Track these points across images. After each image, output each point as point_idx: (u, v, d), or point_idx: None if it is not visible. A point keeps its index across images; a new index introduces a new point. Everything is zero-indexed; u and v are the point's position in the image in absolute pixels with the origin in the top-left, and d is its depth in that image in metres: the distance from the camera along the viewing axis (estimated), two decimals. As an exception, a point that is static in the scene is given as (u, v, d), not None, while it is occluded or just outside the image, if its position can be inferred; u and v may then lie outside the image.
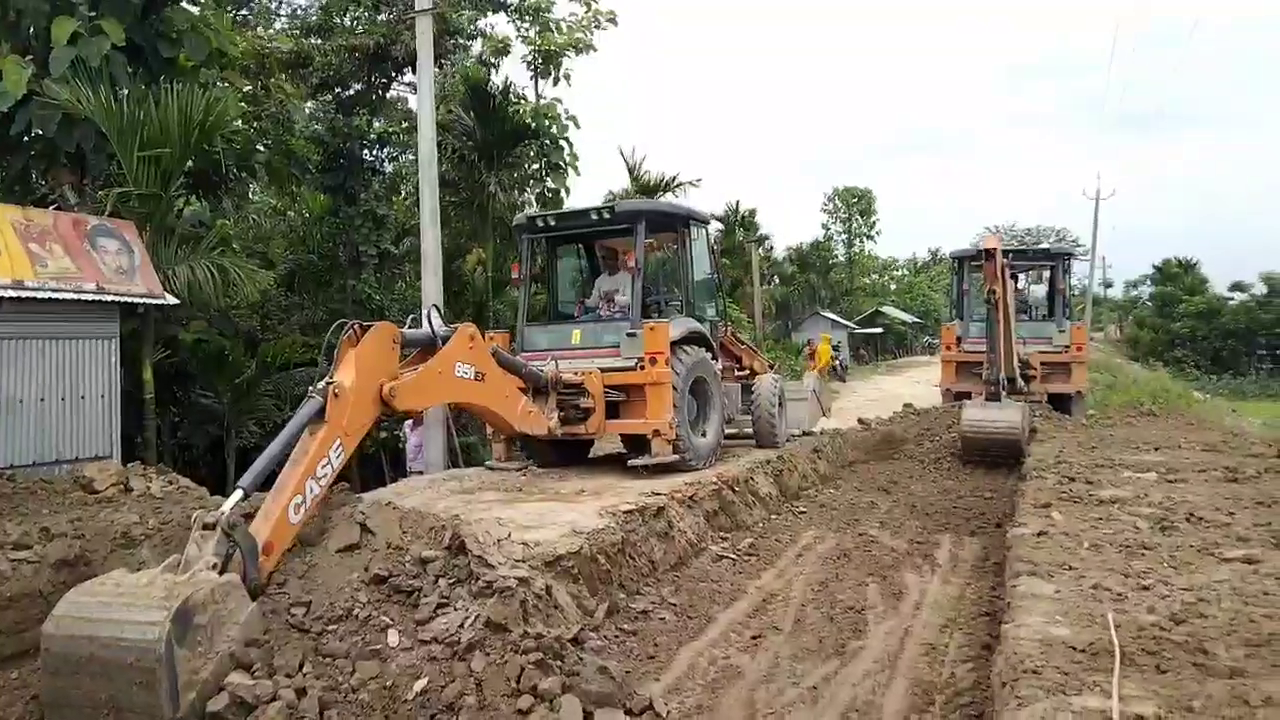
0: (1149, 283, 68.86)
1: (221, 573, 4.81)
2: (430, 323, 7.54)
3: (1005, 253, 16.54)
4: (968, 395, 16.22)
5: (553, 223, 10.87)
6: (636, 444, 10.53)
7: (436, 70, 16.91)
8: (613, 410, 9.94)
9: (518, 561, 5.93)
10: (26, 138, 11.25)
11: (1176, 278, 59.56)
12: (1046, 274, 19.95)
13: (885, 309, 71.19)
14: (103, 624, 4.42)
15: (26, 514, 7.10)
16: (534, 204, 19.67)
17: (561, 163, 19.70)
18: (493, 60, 20.17)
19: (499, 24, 20.86)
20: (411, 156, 18.98)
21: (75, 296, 8.95)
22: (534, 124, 19.04)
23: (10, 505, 7.39)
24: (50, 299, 8.76)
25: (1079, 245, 61.59)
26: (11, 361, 8.55)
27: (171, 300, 10.38)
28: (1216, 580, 5.19)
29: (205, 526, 4.98)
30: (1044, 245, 43.79)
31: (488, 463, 11.05)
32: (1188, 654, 4.09)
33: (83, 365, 9.12)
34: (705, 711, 5.19)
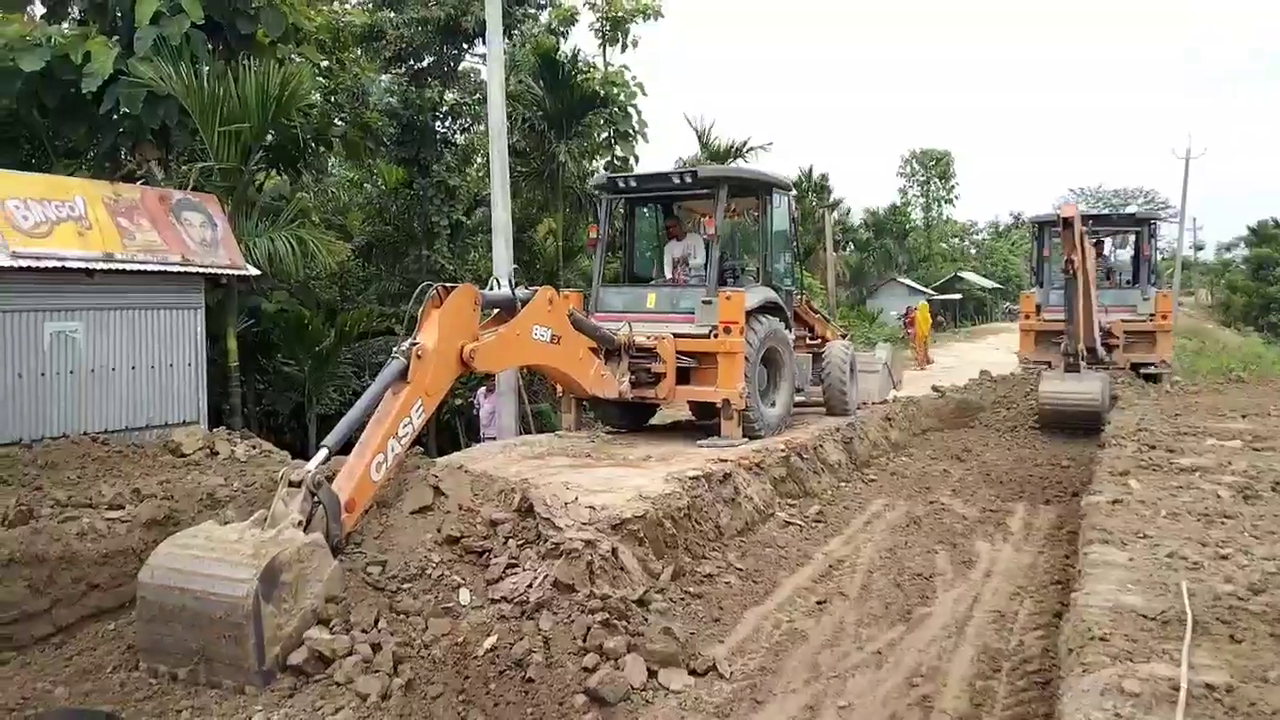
0: (1243, 245, 65.87)
1: (306, 529, 5.00)
2: (511, 285, 7.69)
3: (1088, 218, 16.03)
4: (1047, 365, 15.83)
5: (634, 184, 10.85)
6: (705, 411, 10.52)
7: (506, 41, 16.98)
8: (684, 376, 9.92)
9: (585, 524, 6.03)
10: (115, 116, 11.65)
11: (1274, 239, 56.70)
12: (1132, 239, 19.27)
13: (964, 274, 69.42)
14: (195, 577, 4.65)
15: (119, 476, 7.48)
16: (603, 173, 19.68)
17: (630, 131, 19.63)
18: (561, 29, 20.14)
19: (567, -9, 20.80)
20: (482, 128, 19.13)
21: (161, 268, 9.31)
22: (603, 92, 18.99)
23: (105, 468, 7.78)
24: (138, 271, 9.13)
25: (1168, 207, 59.20)
26: (104, 331, 8.96)
27: (253, 271, 10.71)
28: (1301, 550, 5.04)
29: (291, 484, 5.18)
30: (1130, 209, 42.25)
31: (558, 433, 11.21)
32: (1265, 624, 4.00)
33: (170, 334, 9.50)
34: (768, 673, 5.24)
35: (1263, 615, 4.08)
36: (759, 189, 11.01)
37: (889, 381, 15.02)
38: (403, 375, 5.99)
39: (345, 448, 5.79)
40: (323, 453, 5.44)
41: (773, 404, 10.47)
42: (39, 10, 12.74)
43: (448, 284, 6.60)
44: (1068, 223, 12.83)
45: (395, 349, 6.16)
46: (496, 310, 7.54)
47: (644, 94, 19.68)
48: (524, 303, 7.60)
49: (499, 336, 7.17)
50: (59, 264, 8.48)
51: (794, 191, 12.39)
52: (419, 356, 6.05)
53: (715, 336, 9.66)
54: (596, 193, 11.55)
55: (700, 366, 9.90)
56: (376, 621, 4.90)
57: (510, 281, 7.78)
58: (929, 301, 41.43)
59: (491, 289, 8.00)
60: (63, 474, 7.45)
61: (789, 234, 11.75)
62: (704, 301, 9.83)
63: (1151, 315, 17.24)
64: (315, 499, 5.17)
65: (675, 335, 9.82)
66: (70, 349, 8.72)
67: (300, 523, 5.00)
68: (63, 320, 8.68)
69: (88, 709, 4.57)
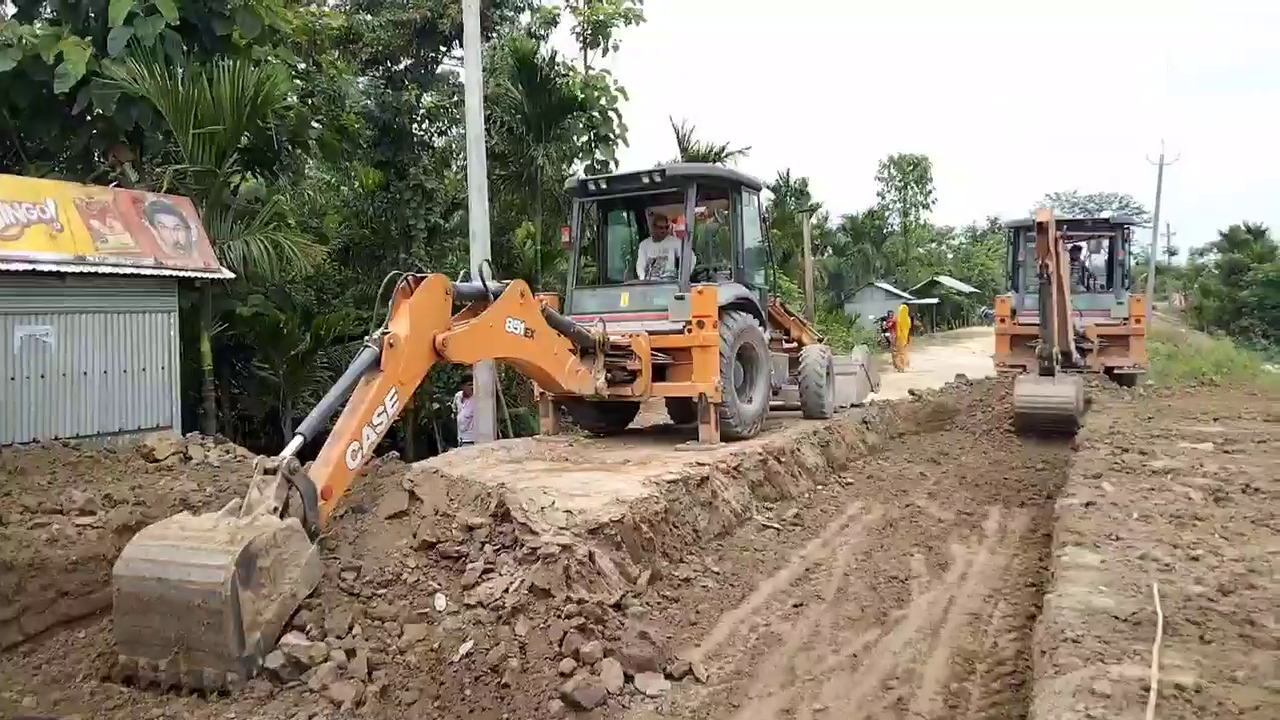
0: (1216, 250, 66.78)
1: (282, 516, 4.97)
2: (483, 278, 7.67)
3: (1063, 223, 16.19)
4: (1022, 369, 15.95)
5: (604, 186, 10.88)
6: (683, 414, 10.49)
7: (485, 43, 16.95)
8: (659, 373, 9.94)
9: (561, 529, 6.00)
10: (88, 117, 11.54)
11: (1245, 244, 57.45)
12: (1106, 244, 19.47)
13: (941, 279, 69.95)
14: (171, 566, 4.63)
15: (91, 481, 7.39)
16: (577, 175, 19.64)
17: (610, 134, 19.60)
18: (541, 32, 20.12)
19: (548, -6, 20.79)
20: (460, 130, 19.05)
21: (134, 271, 9.22)
22: (582, 96, 18.95)
23: (76, 473, 7.69)
24: (111, 274, 9.04)
25: (1142, 212, 59.92)
26: (75, 335, 8.86)
27: (228, 274, 10.63)
28: (1270, 552, 5.08)
29: (266, 471, 5.15)
30: (1105, 214, 42.68)
31: (536, 437, 11.20)
32: (1234, 625, 4.03)
33: (143, 338, 9.41)
34: (745, 677, 5.24)
35: (1232, 616, 4.11)
36: (728, 187, 11.05)
37: (866, 384, 15.07)
38: (376, 364, 5.96)
39: (319, 437, 5.76)
40: (297, 440, 5.40)
41: (749, 400, 10.49)
42: (10, 10, 12.62)
43: (417, 274, 6.58)
44: (1042, 228, 12.94)
45: (367, 338, 6.14)
46: (469, 304, 7.52)
47: (625, 98, 19.67)
48: (496, 295, 7.59)
49: (471, 327, 7.15)
50: (30, 267, 8.38)
51: (764, 190, 12.43)
52: (391, 345, 6.02)
53: (689, 331, 9.69)
54: (569, 196, 11.56)
55: (676, 363, 9.93)
56: (351, 627, 4.88)
57: (482, 274, 7.74)
58: (907, 306, 41.73)
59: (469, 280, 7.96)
60: (32, 479, 7.35)
61: (760, 232, 11.79)
62: (676, 297, 9.84)
63: (1125, 319, 17.40)
64: (291, 486, 5.14)
65: (650, 332, 9.84)
66: (41, 352, 8.62)
67: (276, 509, 4.97)
68: (34, 324, 8.58)
69: (52, 718, 4.50)
